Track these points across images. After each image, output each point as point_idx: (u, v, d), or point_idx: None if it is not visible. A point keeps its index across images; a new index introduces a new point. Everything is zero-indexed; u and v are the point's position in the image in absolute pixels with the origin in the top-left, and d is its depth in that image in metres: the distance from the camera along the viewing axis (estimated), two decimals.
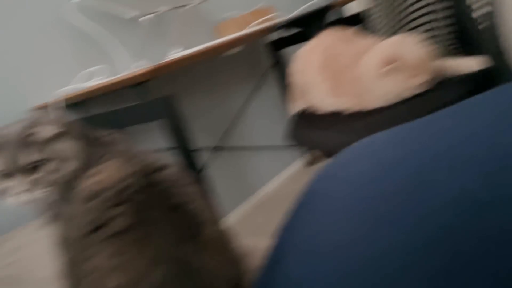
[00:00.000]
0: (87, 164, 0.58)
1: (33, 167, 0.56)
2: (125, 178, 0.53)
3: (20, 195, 0.56)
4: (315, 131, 1.22)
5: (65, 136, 0.60)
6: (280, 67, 2.33)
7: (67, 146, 0.59)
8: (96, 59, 1.59)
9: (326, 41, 1.24)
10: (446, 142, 0.35)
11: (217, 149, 2.10)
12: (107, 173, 0.54)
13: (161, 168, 0.57)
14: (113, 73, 1.50)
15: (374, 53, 1.10)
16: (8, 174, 0.56)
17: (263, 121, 2.42)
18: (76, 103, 1.41)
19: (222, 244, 0.57)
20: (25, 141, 0.57)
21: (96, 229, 0.49)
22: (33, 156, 0.56)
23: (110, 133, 0.65)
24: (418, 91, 1.05)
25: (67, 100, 1.32)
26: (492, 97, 0.40)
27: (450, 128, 0.38)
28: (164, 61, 1.21)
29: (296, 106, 1.43)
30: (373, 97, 1.10)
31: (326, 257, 0.34)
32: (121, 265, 0.47)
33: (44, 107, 1.34)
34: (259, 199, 2.34)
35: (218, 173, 2.12)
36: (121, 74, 1.30)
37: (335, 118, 1.21)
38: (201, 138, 2.02)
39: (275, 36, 2.29)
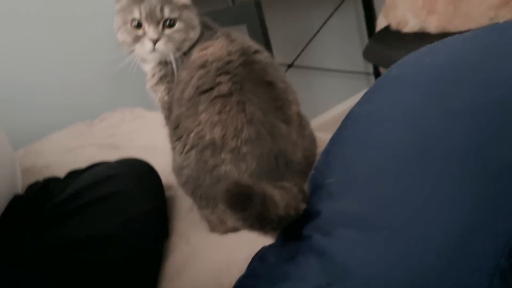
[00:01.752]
0: (200, 38, 0.68)
1: (167, 23, 0.66)
2: (229, 54, 0.62)
3: (150, 44, 0.65)
4: (396, 49, 1.22)
5: (192, 8, 0.70)
6: None
7: (193, 16, 0.69)
8: None
9: None
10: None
11: (290, 65, 2.14)
12: (215, 49, 0.63)
13: (259, 51, 0.66)
14: None
15: None
16: (140, 24, 0.66)
17: (340, 43, 2.39)
18: None
19: (302, 123, 0.66)
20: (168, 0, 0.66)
21: (206, 91, 0.59)
22: (172, 13, 0.66)
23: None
24: None
25: None
26: None
27: None
28: None
29: (381, 23, 1.42)
30: (471, 17, 1.05)
31: (400, 117, 0.41)
32: (223, 121, 0.57)
33: None
34: (325, 121, 2.40)
35: None
36: None
37: (420, 37, 1.19)
38: (276, 52, 2.07)
39: None
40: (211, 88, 0.59)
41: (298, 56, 2.17)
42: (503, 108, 0.37)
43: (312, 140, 0.68)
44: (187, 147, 0.61)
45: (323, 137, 0.83)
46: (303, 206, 0.43)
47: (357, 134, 0.45)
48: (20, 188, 0.74)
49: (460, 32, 1.08)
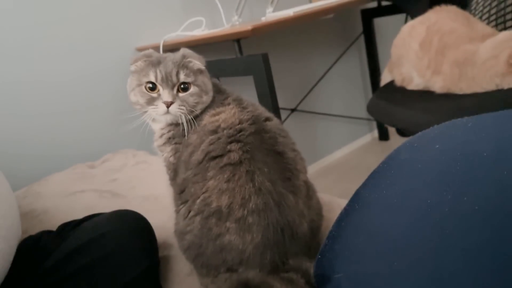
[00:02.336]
0: (211, 103, 0.68)
1: (182, 87, 0.66)
2: (241, 122, 0.62)
3: (163, 107, 0.65)
4: (400, 106, 1.23)
5: (206, 74, 0.71)
6: (369, 37, 2.29)
7: (207, 81, 0.70)
8: (197, 11, 1.69)
9: (434, 18, 1.22)
10: None
11: (294, 110, 2.16)
12: (228, 116, 0.63)
13: (269, 119, 0.66)
14: (211, 27, 1.59)
15: (499, 43, 1.04)
16: (155, 87, 0.66)
17: (342, 90, 2.43)
18: (172, 50, 1.53)
19: (309, 193, 0.65)
20: (184, 64, 0.67)
21: (216, 157, 0.59)
22: (188, 77, 0.66)
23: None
24: None
25: (164, 46, 1.44)
26: None
27: None
28: (263, 20, 1.27)
29: (385, 78, 1.44)
30: (476, 82, 1.07)
31: (411, 211, 0.40)
32: (231, 189, 0.56)
33: (145, 49, 1.48)
34: (326, 164, 2.40)
35: (290, 133, 2.19)
36: (220, 28, 1.38)
37: (424, 96, 1.21)
38: (280, 98, 2.09)
39: (370, 4, 2.24)
40: (221, 155, 0.59)
41: (301, 100, 2.19)
42: None
43: (319, 210, 0.67)
44: (192, 213, 0.60)
45: (327, 199, 0.83)
46: None
47: (367, 222, 0.44)
48: (20, 234, 0.73)
49: (465, 95, 1.09)
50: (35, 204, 1.04)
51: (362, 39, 2.36)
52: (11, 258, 0.62)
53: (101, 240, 0.64)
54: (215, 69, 1.36)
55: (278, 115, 1.27)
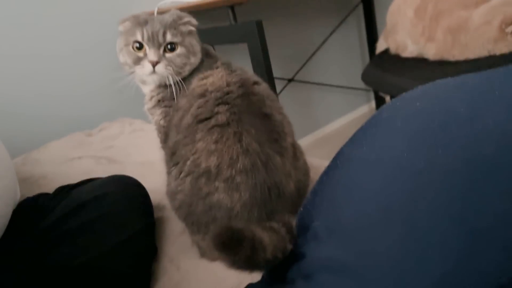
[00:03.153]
0: (200, 67, 0.69)
1: (169, 47, 0.67)
2: (229, 84, 0.63)
3: (149, 66, 0.66)
4: (394, 74, 1.23)
5: (195, 35, 0.71)
6: (368, 6, 2.25)
7: (195, 43, 0.70)
8: None
9: None
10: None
11: (291, 80, 2.16)
12: (215, 79, 0.64)
13: (257, 82, 0.67)
14: None
15: (492, 9, 1.04)
16: (142, 46, 0.67)
17: (340, 60, 2.41)
18: None
19: (296, 154, 0.67)
20: (172, 25, 0.67)
21: (204, 120, 0.60)
22: (174, 38, 0.67)
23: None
24: None
25: (159, 13, 1.42)
26: None
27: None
28: None
29: (381, 46, 1.44)
30: (468, 49, 1.07)
31: (387, 164, 0.42)
32: (219, 150, 0.58)
33: None
34: (323, 135, 2.42)
35: (286, 104, 2.20)
36: None
37: (417, 64, 1.21)
38: (276, 68, 2.08)
39: None
40: (209, 118, 0.60)
41: (298, 71, 2.19)
42: (487, 163, 0.38)
43: (305, 171, 0.69)
44: (183, 174, 0.62)
45: (316, 164, 0.85)
46: (290, 247, 0.44)
47: (345, 177, 0.46)
48: (18, 198, 0.75)
49: (458, 62, 1.10)
50: (34, 170, 1.07)
51: (361, 8, 2.33)
52: (8, 217, 0.64)
53: (97, 201, 0.67)
54: (210, 37, 1.36)
55: (272, 84, 1.27)
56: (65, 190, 0.77)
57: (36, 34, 1.40)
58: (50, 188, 0.84)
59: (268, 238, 0.42)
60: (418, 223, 0.37)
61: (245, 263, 0.39)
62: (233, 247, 0.38)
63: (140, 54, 0.68)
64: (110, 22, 1.51)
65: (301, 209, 0.49)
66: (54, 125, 1.44)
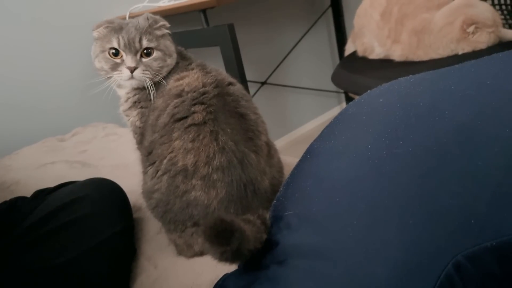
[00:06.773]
0: (176, 68, 0.71)
1: (145, 52, 0.68)
2: (205, 85, 0.65)
3: (127, 72, 0.67)
4: (361, 75, 1.28)
5: (168, 37, 0.72)
6: (337, 10, 2.32)
7: (170, 44, 0.72)
8: None
9: None
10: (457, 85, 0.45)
11: (264, 83, 2.19)
12: (191, 79, 0.66)
13: (232, 83, 0.69)
14: None
15: (453, 11, 1.10)
16: (118, 53, 0.67)
17: (311, 63, 2.47)
18: None
19: (270, 152, 0.70)
20: (146, 30, 0.68)
21: (181, 119, 0.62)
22: (150, 43, 0.68)
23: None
24: (479, 47, 1.08)
25: (131, 17, 1.43)
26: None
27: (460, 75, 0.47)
28: None
29: (349, 48, 1.49)
30: (432, 49, 1.13)
31: (353, 154, 0.46)
32: (195, 148, 0.60)
33: None
34: (297, 136, 2.46)
35: (260, 107, 2.22)
36: None
37: (384, 65, 1.26)
38: (249, 71, 2.11)
39: None
40: (186, 117, 0.62)
41: (271, 74, 2.22)
42: (443, 150, 0.41)
43: (279, 168, 0.71)
44: (159, 173, 0.63)
45: (289, 161, 0.87)
46: (264, 236, 0.46)
47: (315, 168, 0.49)
48: None
49: (422, 62, 1.15)
50: (6, 176, 1.05)
51: (330, 12, 2.39)
52: None
53: (77, 203, 0.67)
54: (182, 41, 1.36)
55: (246, 87, 1.30)
56: (43, 193, 0.76)
57: (7, 38, 1.37)
58: (23, 193, 0.83)
59: (249, 229, 0.44)
60: (380, 206, 0.40)
61: (233, 255, 0.41)
62: (226, 238, 0.39)
63: (117, 60, 0.69)
64: (82, 27, 1.50)
65: (275, 201, 0.51)
66: (26, 131, 1.41)
